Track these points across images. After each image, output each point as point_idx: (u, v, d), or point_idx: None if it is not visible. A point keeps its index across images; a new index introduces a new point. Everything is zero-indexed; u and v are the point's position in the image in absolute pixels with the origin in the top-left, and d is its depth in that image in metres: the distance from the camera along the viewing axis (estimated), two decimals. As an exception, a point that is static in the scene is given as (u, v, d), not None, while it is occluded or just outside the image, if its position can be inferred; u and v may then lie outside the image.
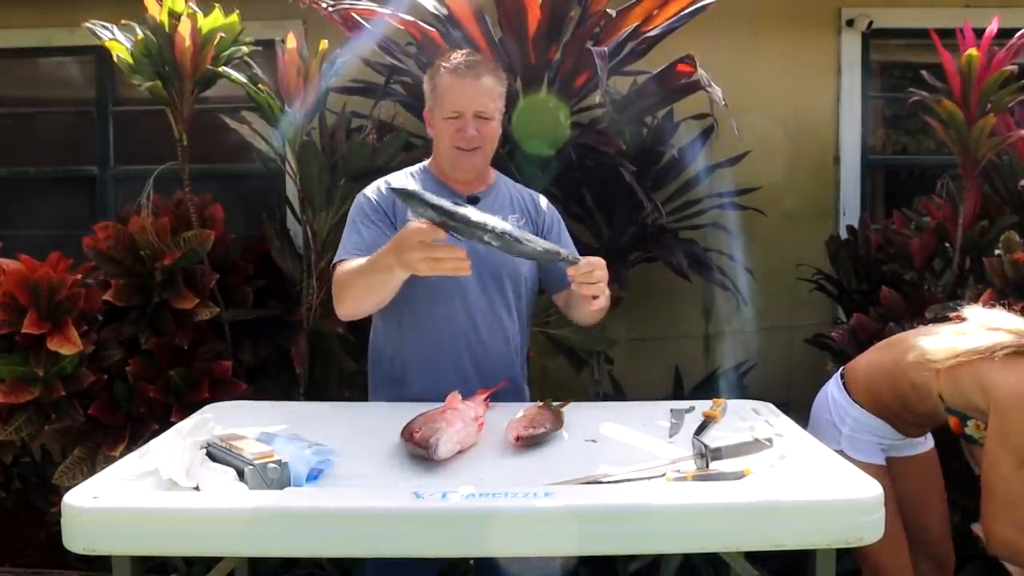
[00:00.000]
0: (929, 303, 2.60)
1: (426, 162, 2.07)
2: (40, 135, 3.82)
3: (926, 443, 2.17)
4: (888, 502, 1.97)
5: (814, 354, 2.98)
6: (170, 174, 2.79)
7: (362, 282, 1.79)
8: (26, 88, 3.78)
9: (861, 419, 2.08)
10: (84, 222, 2.98)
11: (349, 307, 1.86)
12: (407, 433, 1.48)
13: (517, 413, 1.64)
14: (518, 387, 2.02)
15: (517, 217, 2.03)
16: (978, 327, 1.86)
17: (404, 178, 2.01)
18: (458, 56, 1.95)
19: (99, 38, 2.59)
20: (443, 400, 1.66)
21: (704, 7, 2.54)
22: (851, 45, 3.40)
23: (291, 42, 2.57)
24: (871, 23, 3.36)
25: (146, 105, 2.86)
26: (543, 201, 2.11)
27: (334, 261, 1.92)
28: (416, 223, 1.63)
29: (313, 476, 1.37)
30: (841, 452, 2.05)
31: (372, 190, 1.98)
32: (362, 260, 1.81)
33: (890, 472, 2.05)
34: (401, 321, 1.94)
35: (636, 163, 2.66)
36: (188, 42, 2.51)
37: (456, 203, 1.62)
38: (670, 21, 2.55)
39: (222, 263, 2.78)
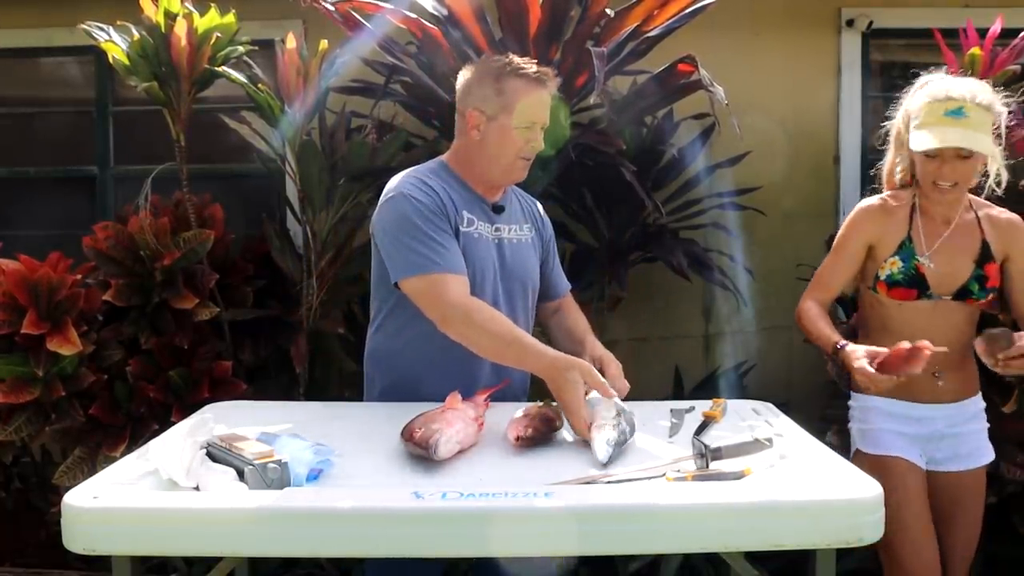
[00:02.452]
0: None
1: (442, 159, 1.96)
2: (40, 135, 3.81)
3: (974, 457, 2.08)
4: (915, 500, 1.97)
5: (814, 354, 2.97)
6: (170, 174, 2.79)
7: (500, 350, 1.76)
8: (26, 88, 3.78)
9: (862, 403, 2.09)
10: (84, 222, 2.97)
11: (462, 340, 1.77)
12: (407, 433, 1.48)
13: (517, 413, 1.64)
14: (521, 392, 2.02)
15: (529, 227, 2.03)
16: None
17: (437, 179, 1.89)
18: (530, 64, 1.86)
19: (95, 39, 2.59)
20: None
21: (704, 7, 2.54)
22: (851, 45, 3.40)
23: (291, 42, 2.57)
24: (871, 23, 3.35)
25: (146, 105, 2.85)
26: (540, 208, 2.13)
27: (416, 272, 1.77)
28: (590, 368, 1.70)
29: (313, 476, 1.36)
30: (859, 453, 2.06)
31: (414, 190, 1.83)
32: (508, 331, 1.75)
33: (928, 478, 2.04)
34: (422, 326, 1.82)
35: (636, 163, 2.66)
36: (184, 42, 2.51)
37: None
38: (670, 21, 2.55)
39: (222, 263, 2.78)
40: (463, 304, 1.77)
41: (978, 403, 2.12)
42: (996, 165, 1.96)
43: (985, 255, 2.01)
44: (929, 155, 1.91)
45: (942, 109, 1.87)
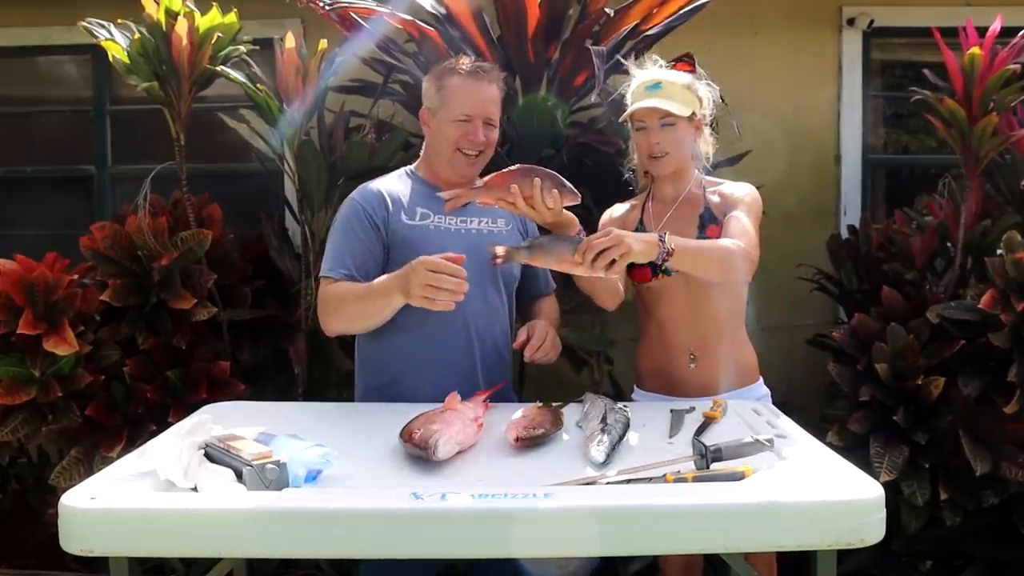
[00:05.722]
0: (931, 303, 2.59)
1: (412, 165, 2.07)
2: (38, 134, 3.81)
3: None
4: None
5: (814, 354, 2.98)
6: (168, 174, 2.78)
7: (357, 307, 1.84)
8: (24, 87, 3.77)
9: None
10: (82, 222, 2.96)
11: (338, 326, 1.92)
12: (406, 434, 1.48)
13: (517, 413, 1.64)
14: (508, 384, 2.03)
15: (505, 222, 2.05)
16: None
17: (394, 180, 2.02)
18: (469, 61, 1.98)
19: (95, 37, 2.58)
20: (439, 399, 1.66)
21: (703, 5, 2.54)
22: (852, 44, 3.40)
23: (290, 41, 2.56)
24: (872, 22, 3.35)
25: (145, 104, 2.85)
26: None
27: (322, 273, 1.92)
28: (426, 257, 1.66)
29: (312, 476, 1.36)
30: None
31: (361, 194, 1.98)
32: (357, 284, 1.85)
33: None
34: (395, 325, 1.89)
35: (636, 162, 2.65)
36: (185, 41, 2.50)
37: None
38: (669, 20, 2.54)
39: (220, 263, 2.77)
40: (320, 300, 1.90)
41: (755, 392, 2.09)
42: (706, 147, 2.08)
43: (706, 219, 2.04)
44: (638, 128, 2.03)
45: (643, 87, 2.03)
